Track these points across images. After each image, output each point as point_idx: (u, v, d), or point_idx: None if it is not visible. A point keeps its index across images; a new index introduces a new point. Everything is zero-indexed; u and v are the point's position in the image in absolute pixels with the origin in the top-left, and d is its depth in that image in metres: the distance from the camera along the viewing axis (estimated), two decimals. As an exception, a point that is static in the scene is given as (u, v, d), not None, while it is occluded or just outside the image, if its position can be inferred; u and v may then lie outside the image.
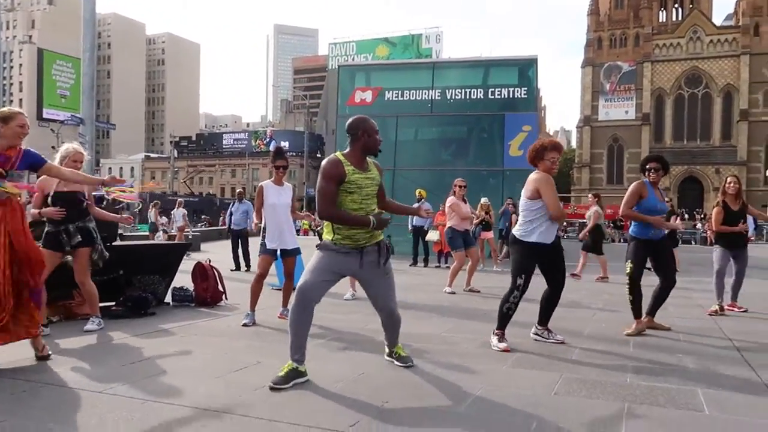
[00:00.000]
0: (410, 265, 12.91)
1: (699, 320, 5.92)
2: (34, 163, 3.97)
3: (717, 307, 6.34)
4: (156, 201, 20.60)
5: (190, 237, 18.27)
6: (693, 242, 34.98)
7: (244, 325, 5.35)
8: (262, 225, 5.71)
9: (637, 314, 5.16)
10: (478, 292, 8.13)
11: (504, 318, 4.49)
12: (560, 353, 4.30)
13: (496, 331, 4.52)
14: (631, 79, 66.64)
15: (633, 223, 5.28)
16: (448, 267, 11.96)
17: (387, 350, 4.01)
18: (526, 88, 18.04)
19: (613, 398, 3.22)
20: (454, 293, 8.03)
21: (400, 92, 18.85)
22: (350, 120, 3.60)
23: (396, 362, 3.90)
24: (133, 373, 3.70)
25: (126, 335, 4.88)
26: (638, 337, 4.93)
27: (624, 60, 66.84)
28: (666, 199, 5.47)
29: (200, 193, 68.05)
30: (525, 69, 18.55)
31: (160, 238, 17.16)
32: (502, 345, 4.38)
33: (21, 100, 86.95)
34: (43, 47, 78.86)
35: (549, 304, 4.68)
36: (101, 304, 5.93)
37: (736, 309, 6.49)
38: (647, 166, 5.27)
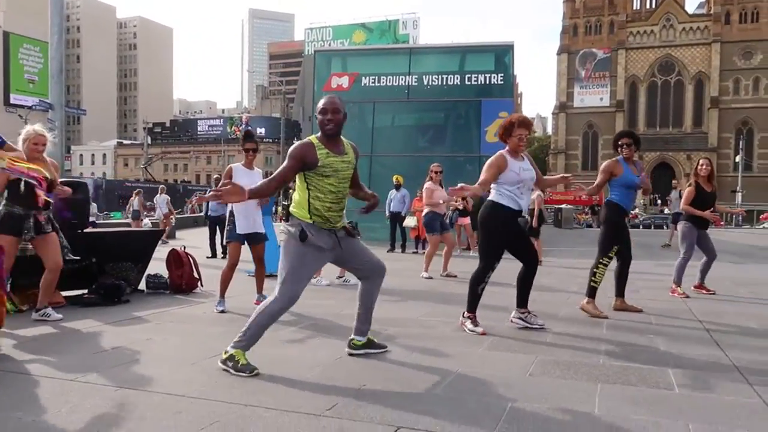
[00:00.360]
0: (388, 251, 12.92)
1: (669, 302, 6.05)
2: None
3: (681, 289, 6.46)
4: (139, 189, 20.22)
5: (173, 223, 18.01)
6: (665, 227, 35.63)
7: (222, 311, 5.31)
8: (229, 209, 5.59)
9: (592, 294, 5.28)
10: (455, 276, 8.18)
11: (476, 300, 4.51)
12: (534, 336, 4.35)
13: (467, 314, 4.53)
14: (605, 66, 67.38)
15: (616, 193, 5.33)
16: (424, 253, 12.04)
17: (360, 341, 3.78)
18: (502, 75, 18.09)
19: (587, 378, 3.27)
20: (431, 278, 8.07)
21: (377, 78, 18.75)
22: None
23: (373, 350, 3.78)
24: (106, 360, 3.65)
25: (99, 323, 4.80)
26: (611, 320, 5.02)
27: (599, 47, 67.51)
28: (645, 174, 5.52)
29: (165, 180, 67.08)
30: (501, 55, 18.59)
31: (147, 226, 16.86)
32: (480, 329, 4.41)
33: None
34: (9, 30, 76.53)
35: (525, 284, 4.66)
36: (74, 293, 5.86)
37: (704, 291, 6.63)
38: (619, 142, 5.34)
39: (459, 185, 4.35)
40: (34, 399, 2.93)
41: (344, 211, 3.58)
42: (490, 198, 4.61)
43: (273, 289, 3.47)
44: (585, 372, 3.40)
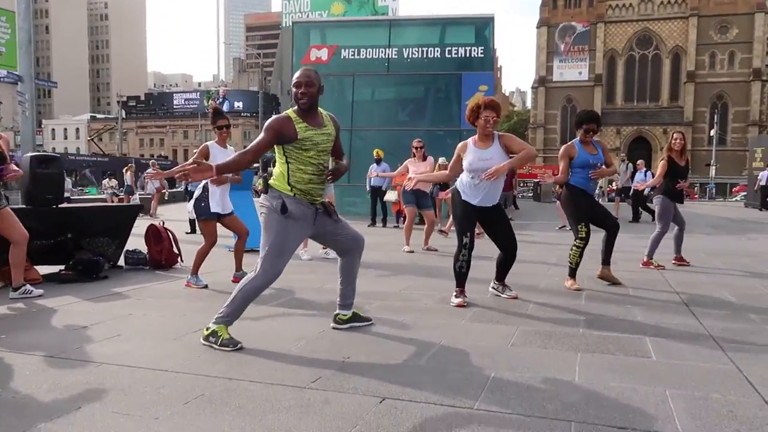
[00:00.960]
0: (368, 226, 12.93)
1: (646, 273, 6.16)
2: None
3: (654, 261, 6.59)
4: (130, 164, 19.77)
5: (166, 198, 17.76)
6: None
7: (204, 287, 5.27)
8: (202, 185, 5.42)
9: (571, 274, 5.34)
10: (436, 250, 8.22)
11: (459, 276, 4.57)
12: (516, 308, 4.41)
13: (455, 289, 4.60)
14: (584, 40, 67.37)
15: (573, 175, 5.37)
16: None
17: (346, 315, 3.79)
18: (482, 48, 17.98)
19: (567, 348, 3.33)
20: (412, 252, 8.10)
21: (356, 50, 18.51)
22: None
23: (358, 324, 3.79)
24: (87, 337, 3.61)
25: (77, 299, 4.75)
26: (589, 291, 5.10)
27: (578, 20, 67.38)
28: (621, 156, 5.55)
29: (141, 156, 65.87)
30: (481, 28, 18.45)
31: (136, 201, 16.57)
32: (457, 300, 4.48)
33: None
34: (-26, -1, 73.69)
35: (503, 265, 4.76)
36: (50, 268, 5.77)
37: (685, 263, 6.74)
38: (585, 127, 5.28)
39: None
40: (14, 376, 2.89)
41: (324, 186, 3.55)
42: (455, 184, 4.73)
43: (254, 264, 3.44)
44: (565, 342, 3.45)
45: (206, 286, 5.28)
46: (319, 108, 3.48)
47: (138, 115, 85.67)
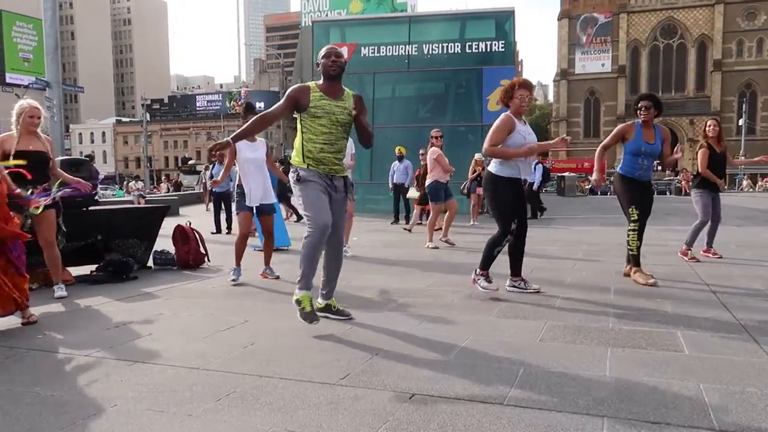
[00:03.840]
0: (392, 223, 12.93)
1: (676, 267, 6.06)
2: None
3: (692, 253, 6.48)
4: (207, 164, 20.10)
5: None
6: (668, 192, 35.56)
7: (233, 281, 5.42)
8: (236, 183, 5.62)
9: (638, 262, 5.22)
10: (453, 245, 8.18)
11: (490, 260, 4.61)
12: (543, 302, 4.38)
13: (480, 272, 4.61)
14: (607, 31, 66.36)
15: (622, 161, 5.29)
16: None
17: (320, 304, 3.91)
18: (503, 42, 17.84)
19: (596, 342, 3.29)
20: (437, 248, 8.08)
21: (376, 48, 18.51)
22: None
23: (332, 316, 3.88)
24: (119, 336, 3.68)
25: (109, 300, 4.84)
26: (618, 285, 5.04)
27: (600, 11, 66.38)
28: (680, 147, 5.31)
29: (165, 157, 66.53)
30: (502, 21, 18.28)
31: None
32: (493, 286, 4.57)
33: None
34: (1, 8, 75.44)
35: (516, 252, 4.71)
36: (81, 270, 5.89)
37: (711, 255, 6.63)
38: (638, 105, 5.21)
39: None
40: (51, 374, 2.96)
41: (342, 161, 3.79)
42: (489, 169, 4.65)
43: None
44: (594, 336, 3.42)
45: (234, 281, 5.45)
46: (345, 87, 3.77)
47: (162, 117, 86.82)
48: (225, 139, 3.71)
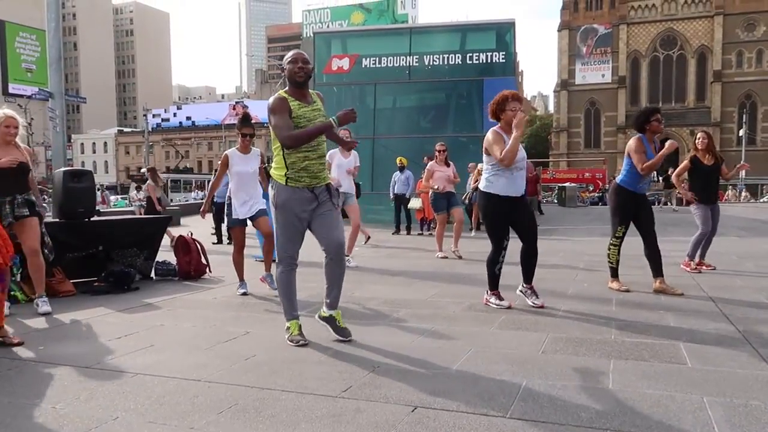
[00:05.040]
0: (393, 233, 12.93)
1: (678, 278, 6.03)
2: None
3: (694, 264, 6.48)
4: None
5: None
6: (669, 203, 35.53)
7: (243, 294, 5.41)
8: (227, 195, 5.60)
9: (616, 274, 5.29)
10: (460, 257, 8.18)
11: (495, 279, 4.60)
12: (545, 313, 4.37)
13: (490, 292, 4.60)
14: (607, 42, 66.69)
15: (626, 174, 5.30)
16: (431, 234, 12.04)
17: (325, 313, 3.77)
18: (504, 53, 17.93)
19: (599, 354, 3.29)
20: (446, 257, 8.07)
21: (377, 59, 18.60)
22: None
23: (332, 331, 3.71)
24: (120, 347, 3.67)
25: (110, 311, 4.83)
26: (620, 296, 5.03)
27: (600, 22, 66.76)
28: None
29: (167, 168, 66.64)
30: (502, 33, 18.40)
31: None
32: (505, 303, 4.55)
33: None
34: (5, 19, 75.87)
35: (528, 260, 4.68)
36: (82, 280, 5.89)
37: (705, 267, 6.57)
38: (652, 117, 5.16)
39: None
40: (53, 387, 2.95)
41: (324, 165, 3.72)
42: (480, 186, 4.67)
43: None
44: (597, 348, 3.41)
45: (244, 294, 5.44)
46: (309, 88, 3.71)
47: (163, 127, 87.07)
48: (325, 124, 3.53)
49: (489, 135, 4.56)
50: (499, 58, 17.86)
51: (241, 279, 5.55)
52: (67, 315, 4.65)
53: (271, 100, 3.57)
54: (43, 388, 2.93)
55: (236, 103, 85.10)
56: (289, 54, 3.63)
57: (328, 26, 60.93)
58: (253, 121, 6.24)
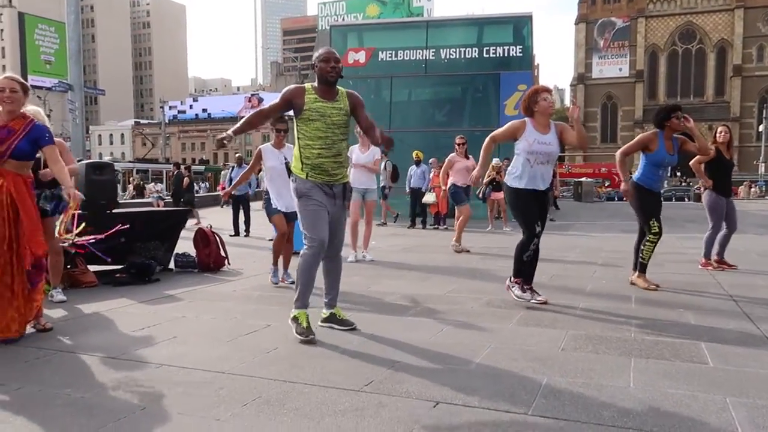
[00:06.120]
0: (408, 227, 12.96)
1: (697, 276, 6.00)
2: (37, 139, 3.74)
3: (712, 262, 6.42)
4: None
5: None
6: (687, 199, 35.19)
7: (274, 284, 5.54)
8: (263, 188, 5.70)
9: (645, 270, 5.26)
10: (467, 251, 8.17)
11: (522, 267, 4.58)
12: (564, 310, 4.37)
13: (514, 279, 4.60)
14: (624, 36, 65.93)
15: (642, 172, 5.28)
16: (447, 228, 12.05)
17: (325, 314, 3.88)
18: (521, 47, 17.83)
19: (619, 353, 3.29)
20: (468, 251, 8.09)
21: (393, 52, 18.56)
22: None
23: (337, 326, 3.82)
24: (144, 339, 3.73)
25: (132, 302, 4.91)
26: (640, 293, 5.01)
27: (618, 16, 65.97)
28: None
29: (183, 159, 67.07)
30: (520, 27, 18.30)
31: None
32: (527, 295, 4.53)
33: (4, 66, 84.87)
34: (24, 11, 76.66)
35: (532, 262, 4.66)
36: (104, 268, 5.98)
37: (725, 266, 6.46)
38: (673, 114, 5.11)
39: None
40: (80, 376, 3.01)
41: (343, 165, 3.75)
42: (505, 182, 4.72)
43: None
44: (617, 346, 3.41)
45: (274, 283, 5.59)
46: (338, 86, 3.73)
47: (179, 119, 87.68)
48: (226, 133, 3.68)
49: (511, 122, 4.60)
50: (516, 52, 17.78)
51: (275, 264, 5.67)
52: (90, 306, 4.73)
53: (291, 86, 3.71)
54: (71, 377, 3.00)
55: (252, 95, 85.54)
56: (321, 51, 3.66)
57: (343, 19, 60.77)
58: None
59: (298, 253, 4.19)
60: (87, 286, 5.53)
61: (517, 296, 4.57)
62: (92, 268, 5.81)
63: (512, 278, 4.67)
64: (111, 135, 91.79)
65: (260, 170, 5.97)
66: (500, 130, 4.68)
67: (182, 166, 17.07)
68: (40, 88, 42.19)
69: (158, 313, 4.46)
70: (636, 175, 5.36)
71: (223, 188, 24.96)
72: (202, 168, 42.45)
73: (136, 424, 2.39)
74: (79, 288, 5.48)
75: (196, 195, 17.87)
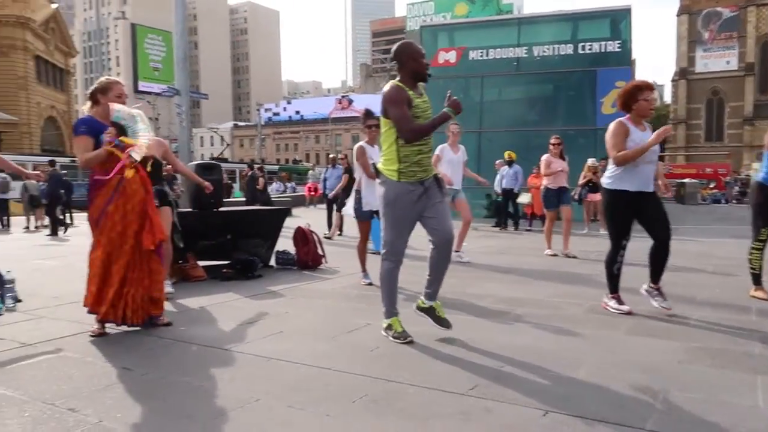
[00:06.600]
0: (501, 229, 12.75)
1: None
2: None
3: None
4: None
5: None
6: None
7: (369, 284, 5.58)
8: (355, 188, 5.77)
9: (759, 281, 4.88)
10: (575, 257, 7.90)
11: (614, 280, 4.39)
12: (676, 320, 4.13)
13: (610, 295, 4.42)
14: (732, 26, 61.29)
15: (758, 176, 4.89)
16: (541, 231, 11.73)
17: (424, 304, 3.74)
18: (619, 42, 17.11)
19: (743, 369, 3.06)
20: (555, 255, 7.86)
21: (484, 51, 18.35)
22: (394, 47, 3.67)
23: (433, 322, 3.70)
24: (252, 332, 3.91)
25: (238, 296, 5.16)
26: (760, 304, 4.65)
27: (724, 5, 61.41)
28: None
29: (277, 160, 69.38)
30: (617, 20, 17.54)
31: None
32: (625, 307, 4.32)
33: (119, 73, 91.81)
34: (136, 22, 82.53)
35: (658, 259, 4.36)
36: (211, 263, 6.32)
37: None
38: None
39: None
40: (197, 366, 3.20)
41: (432, 159, 3.71)
42: (602, 182, 4.46)
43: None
44: (740, 361, 3.17)
45: (369, 284, 5.58)
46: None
47: (274, 121, 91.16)
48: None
49: (611, 126, 4.34)
50: (614, 47, 17.07)
51: (364, 270, 5.73)
52: (201, 299, 5.02)
53: (389, 89, 3.51)
54: (189, 366, 3.19)
55: (342, 97, 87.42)
56: (411, 47, 3.61)
57: (431, 19, 60.66)
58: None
59: (377, 253, 4.23)
60: (196, 280, 5.87)
61: (614, 309, 4.37)
62: (201, 263, 6.17)
63: (607, 294, 4.48)
64: (212, 137, 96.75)
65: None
66: (614, 141, 4.25)
67: (256, 166, 17.65)
68: (149, 93, 45.20)
69: (263, 309, 4.65)
70: (761, 173, 4.93)
71: (312, 188, 25.64)
72: (276, 167, 43.98)
73: (251, 415, 2.51)
74: (188, 281, 5.83)
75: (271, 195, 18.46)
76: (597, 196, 11.84)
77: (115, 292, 3.74)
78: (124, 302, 3.78)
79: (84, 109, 4.04)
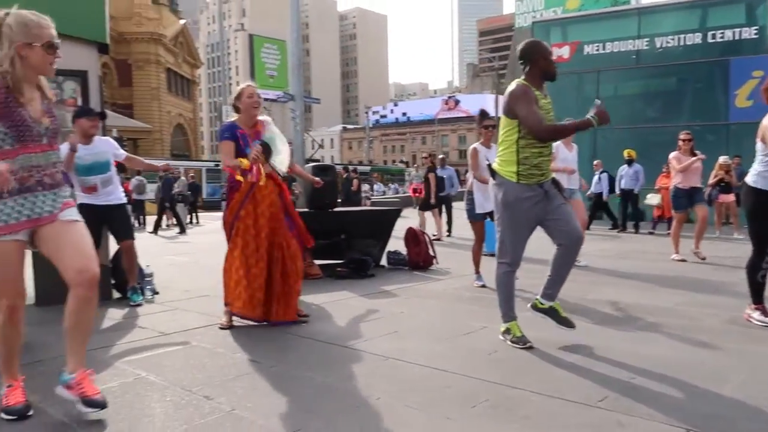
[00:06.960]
0: (618, 231, 12.07)
1: None
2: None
3: None
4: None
5: None
6: None
7: (482, 286, 5.53)
8: (467, 189, 5.71)
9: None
10: (704, 259, 7.29)
11: (758, 289, 3.97)
12: (835, 336, 3.67)
13: (754, 306, 4.02)
14: None
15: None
16: (665, 234, 10.97)
17: (543, 304, 3.59)
18: (755, 28, 15.59)
19: None
20: (684, 260, 7.31)
21: (600, 45, 17.49)
22: (522, 45, 3.53)
23: (554, 321, 3.56)
24: (368, 331, 3.96)
25: (353, 295, 5.26)
26: None
27: None
28: None
29: (384, 161, 70.35)
30: (753, 5, 16.01)
31: None
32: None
33: (237, 82, 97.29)
34: (253, 33, 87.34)
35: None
36: (327, 262, 6.51)
37: None
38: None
39: None
40: (320, 362, 3.29)
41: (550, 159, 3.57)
42: (746, 180, 4.03)
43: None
44: None
45: (483, 286, 5.53)
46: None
47: (381, 123, 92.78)
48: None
49: (766, 120, 3.94)
50: (750, 34, 15.59)
51: (477, 271, 5.67)
52: (319, 296, 5.18)
53: (516, 87, 3.41)
54: (313, 363, 3.28)
55: (449, 98, 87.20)
56: (540, 46, 3.51)
57: (541, 14, 58.70)
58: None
59: (491, 255, 4.11)
60: (312, 278, 6.06)
61: (758, 320, 3.96)
62: (317, 262, 6.37)
63: (750, 304, 4.06)
64: (322, 139, 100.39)
65: (467, 170, 5.99)
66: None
67: (350, 168, 17.94)
68: (266, 99, 47.61)
69: (378, 308, 4.71)
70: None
71: (417, 189, 25.69)
72: (368, 169, 44.87)
73: (372, 412, 2.53)
74: (305, 279, 6.00)
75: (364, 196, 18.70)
76: (730, 197, 10.87)
77: (254, 290, 3.98)
78: (263, 300, 4.02)
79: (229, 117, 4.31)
